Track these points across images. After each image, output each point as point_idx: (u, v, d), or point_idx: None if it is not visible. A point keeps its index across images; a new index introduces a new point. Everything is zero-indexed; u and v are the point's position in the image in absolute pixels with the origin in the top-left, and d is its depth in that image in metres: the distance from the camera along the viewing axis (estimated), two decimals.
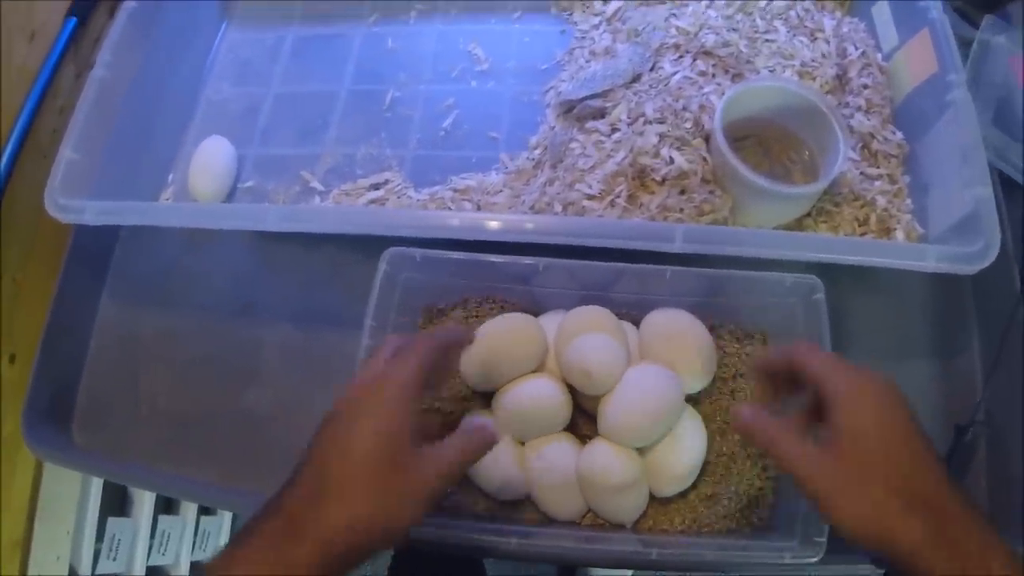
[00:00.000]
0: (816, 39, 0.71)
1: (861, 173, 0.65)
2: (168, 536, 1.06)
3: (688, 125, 0.62)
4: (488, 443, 0.45)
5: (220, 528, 1.22)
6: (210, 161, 0.70)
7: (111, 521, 0.97)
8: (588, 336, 0.54)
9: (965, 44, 0.72)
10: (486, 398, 0.58)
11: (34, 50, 0.75)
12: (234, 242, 0.71)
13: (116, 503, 1.01)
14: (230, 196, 0.71)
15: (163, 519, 1.05)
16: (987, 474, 0.61)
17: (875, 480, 0.39)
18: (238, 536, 0.38)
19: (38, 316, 0.69)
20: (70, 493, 0.90)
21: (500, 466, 0.55)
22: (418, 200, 0.66)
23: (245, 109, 0.76)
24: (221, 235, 0.71)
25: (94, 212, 0.60)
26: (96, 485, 0.92)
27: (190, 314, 0.69)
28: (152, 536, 1.03)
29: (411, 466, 0.40)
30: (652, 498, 0.56)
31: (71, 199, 0.61)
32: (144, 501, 1.02)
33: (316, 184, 0.70)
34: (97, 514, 0.93)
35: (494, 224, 0.55)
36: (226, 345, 0.68)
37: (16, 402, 0.66)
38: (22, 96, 0.72)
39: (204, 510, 1.17)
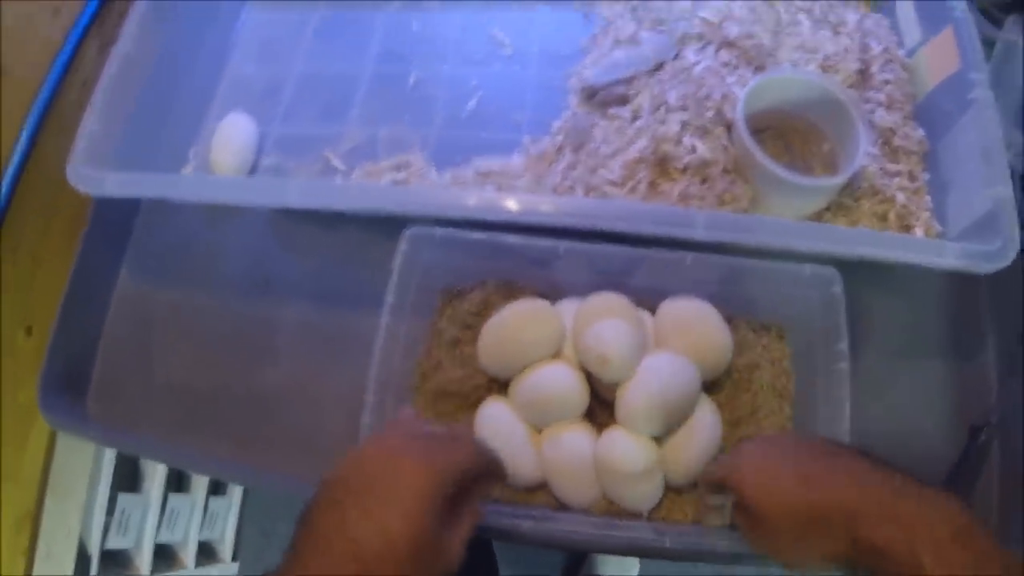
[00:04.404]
0: (839, 33, 0.70)
1: (881, 169, 0.64)
2: (177, 514, 1.06)
3: (710, 114, 0.61)
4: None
5: (229, 509, 1.22)
6: (232, 137, 0.69)
7: (122, 496, 0.97)
8: (606, 322, 0.54)
9: (988, 45, 0.71)
10: (503, 384, 0.58)
11: (58, 23, 0.74)
12: (254, 220, 0.70)
13: (127, 479, 1.01)
14: (251, 173, 0.71)
15: (173, 497, 1.05)
16: (999, 476, 0.60)
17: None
18: None
19: (55, 289, 0.68)
20: (82, 467, 0.90)
21: (516, 453, 0.54)
22: (440, 183, 0.65)
23: (268, 87, 0.75)
24: (241, 212, 0.70)
25: (115, 183, 0.59)
26: (108, 460, 0.92)
27: (208, 290, 0.68)
28: (162, 513, 1.03)
29: (440, 550, 0.39)
30: (667, 488, 0.55)
31: (93, 170, 0.60)
32: (155, 477, 1.02)
33: (338, 163, 0.69)
34: (108, 489, 0.93)
35: (511, 204, 0.54)
36: (243, 322, 0.67)
37: (32, 374, 0.65)
38: (45, 69, 0.72)
39: (214, 490, 1.17)
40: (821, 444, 0.45)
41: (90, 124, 0.62)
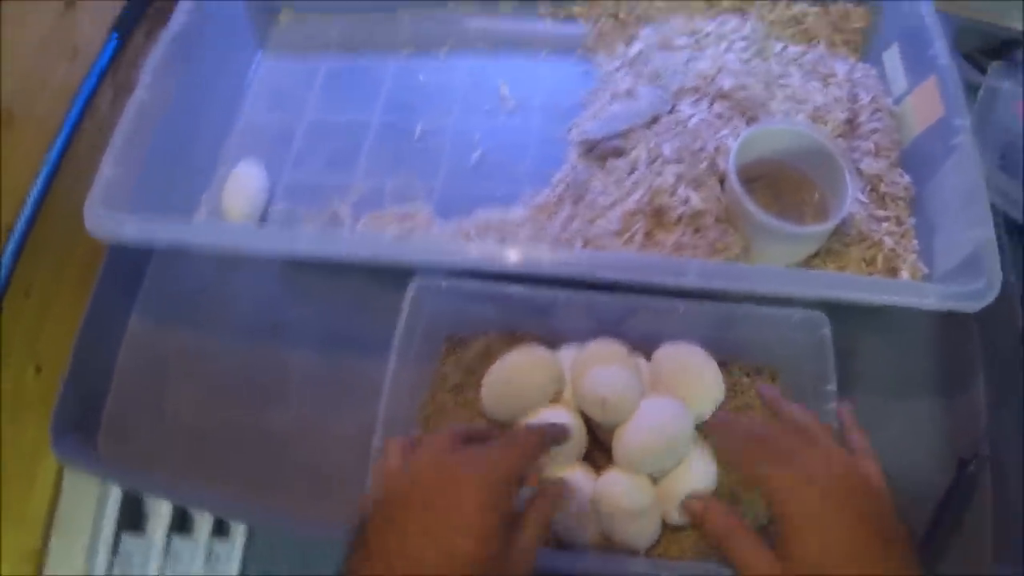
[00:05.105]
0: (829, 84, 0.74)
1: (869, 215, 0.68)
2: (179, 557, 1.08)
3: (704, 165, 0.65)
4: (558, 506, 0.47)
5: (231, 553, 1.23)
6: (244, 185, 0.73)
7: (125, 538, 0.99)
8: (603, 367, 0.57)
9: (974, 90, 0.75)
10: (504, 428, 0.61)
11: (74, 70, 0.78)
12: (264, 267, 0.74)
13: (131, 520, 1.03)
14: (262, 220, 0.74)
15: (176, 539, 1.07)
16: (992, 507, 0.63)
17: None
18: None
19: (65, 329, 0.72)
20: (87, 506, 0.92)
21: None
22: (444, 233, 0.69)
23: (279, 135, 0.79)
24: (251, 260, 0.74)
25: (133, 229, 0.61)
26: (113, 500, 0.95)
27: (218, 334, 0.72)
28: (165, 556, 1.05)
29: (511, 559, 0.39)
30: (664, 526, 0.58)
31: (110, 215, 0.62)
32: (159, 518, 1.04)
33: (346, 213, 0.73)
34: (113, 529, 0.95)
35: (511, 255, 0.58)
36: (252, 366, 0.70)
37: (40, 413, 0.69)
38: (61, 114, 0.76)
39: (217, 531, 1.19)
40: (874, 512, 0.43)
41: (108, 170, 0.64)
